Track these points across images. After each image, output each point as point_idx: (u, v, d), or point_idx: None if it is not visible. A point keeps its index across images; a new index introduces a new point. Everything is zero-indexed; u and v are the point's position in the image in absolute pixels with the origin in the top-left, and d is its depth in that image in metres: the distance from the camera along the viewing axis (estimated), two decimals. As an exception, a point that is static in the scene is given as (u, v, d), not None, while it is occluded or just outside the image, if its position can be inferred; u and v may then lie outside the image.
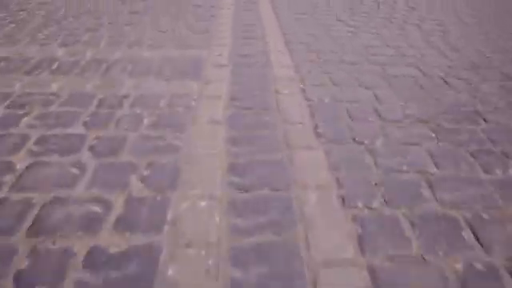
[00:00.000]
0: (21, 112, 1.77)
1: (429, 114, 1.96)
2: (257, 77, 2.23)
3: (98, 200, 1.25)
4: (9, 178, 1.32)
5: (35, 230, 1.12)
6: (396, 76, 2.40)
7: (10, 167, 1.38)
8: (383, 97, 2.11)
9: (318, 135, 1.70)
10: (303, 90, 2.11)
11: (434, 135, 1.77)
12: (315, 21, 3.59)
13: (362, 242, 1.15)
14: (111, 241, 1.09)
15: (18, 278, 0.97)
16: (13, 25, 3.08)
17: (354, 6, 4.27)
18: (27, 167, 1.39)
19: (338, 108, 1.95)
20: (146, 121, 1.72)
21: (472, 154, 1.63)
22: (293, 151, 1.57)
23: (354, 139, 1.69)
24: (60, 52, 2.51)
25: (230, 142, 1.60)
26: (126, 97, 1.92)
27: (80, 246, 1.07)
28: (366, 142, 1.68)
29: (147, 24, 3.23)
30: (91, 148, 1.50)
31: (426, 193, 1.39)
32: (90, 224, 1.16)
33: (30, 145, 1.52)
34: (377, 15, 3.96)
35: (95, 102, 1.87)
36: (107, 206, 1.23)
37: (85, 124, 1.67)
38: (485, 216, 1.29)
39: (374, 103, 2.03)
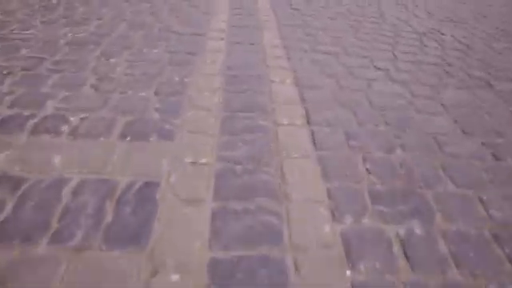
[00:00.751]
0: None
1: None
2: (263, 256, 1.14)
3: None
4: None
5: None
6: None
7: None
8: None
9: None
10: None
11: None
12: (344, 68, 2.46)
13: None
14: None
15: None
16: None
17: (392, 41, 3.15)
18: None
19: None
20: None
21: None
22: None
23: None
24: None
25: None
26: None
27: None
28: None
29: (87, 69, 2.06)
30: None
31: None
32: None
33: None
34: (425, 58, 2.87)
35: None
36: None
37: None
38: None
39: None
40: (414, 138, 1.77)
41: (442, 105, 2.18)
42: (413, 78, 2.48)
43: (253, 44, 2.70)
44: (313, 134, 1.69)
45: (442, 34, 3.57)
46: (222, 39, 2.72)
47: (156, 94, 1.87)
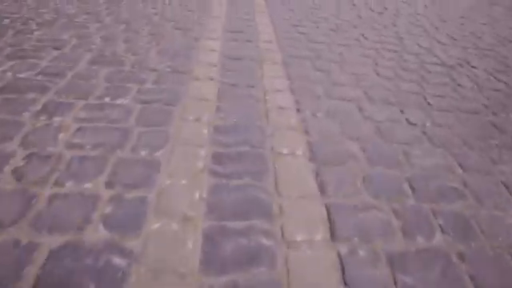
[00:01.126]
0: None
1: None
2: None
3: None
4: None
5: None
6: None
7: None
8: None
9: None
10: None
11: None
12: (370, 124, 1.82)
13: None
14: None
15: None
16: None
17: (418, 78, 2.54)
18: None
19: None
20: None
21: None
22: None
23: None
24: None
25: None
26: None
27: None
28: None
29: (16, 138, 1.41)
30: None
31: None
32: None
33: None
34: (463, 105, 2.30)
35: None
36: None
37: None
38: None
39: None
40: (486, 265, 1.22)
41: (505, 186, 1.63)
42: (456, 136, 1.93)
43: (251, 87, 2.13)
44: (342, 264, 1.13)
45: (473, 67, 3.04)
46: (212, 79, 2.15)
47: (109, 185, 1.28)
